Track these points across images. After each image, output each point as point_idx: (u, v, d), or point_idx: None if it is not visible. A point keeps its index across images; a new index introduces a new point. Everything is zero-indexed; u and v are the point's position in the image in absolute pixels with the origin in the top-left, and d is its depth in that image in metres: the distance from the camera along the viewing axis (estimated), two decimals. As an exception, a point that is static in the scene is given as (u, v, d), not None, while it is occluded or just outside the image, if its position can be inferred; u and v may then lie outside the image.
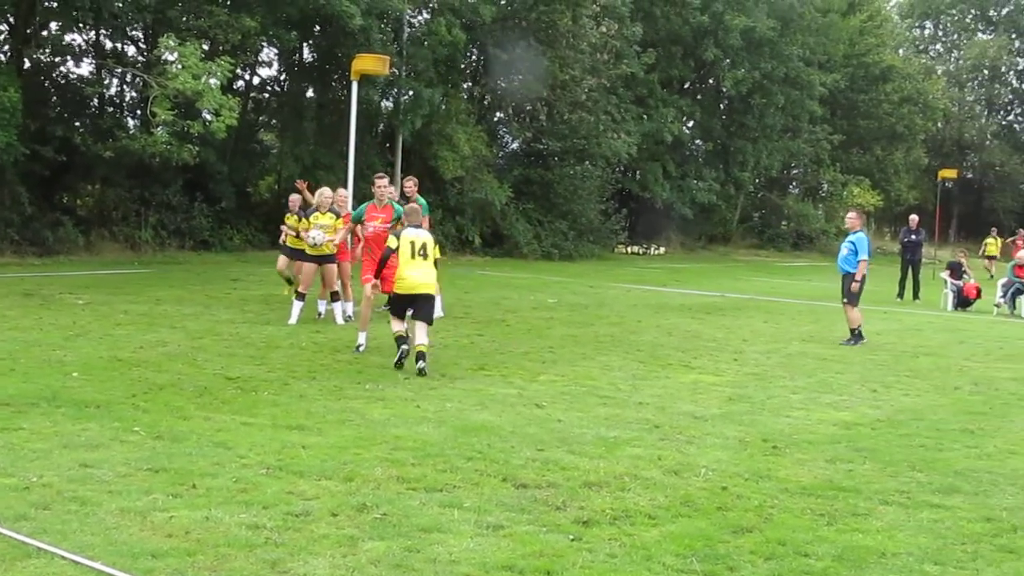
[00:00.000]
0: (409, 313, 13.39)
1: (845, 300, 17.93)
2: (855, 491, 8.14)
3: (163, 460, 8.11)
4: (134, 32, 32.93)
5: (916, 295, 28.37)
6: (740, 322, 20.44)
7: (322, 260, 16.91)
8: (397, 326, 13.37)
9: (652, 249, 49.82)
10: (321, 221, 16.82)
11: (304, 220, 17.21)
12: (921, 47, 79.18)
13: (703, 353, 15.75)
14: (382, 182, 16.36)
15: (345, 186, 18.78)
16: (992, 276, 28.10)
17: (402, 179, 19.16)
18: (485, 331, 16.86)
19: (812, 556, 6.61)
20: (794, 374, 14.08)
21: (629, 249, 48.39)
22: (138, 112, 31.90)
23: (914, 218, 29.97)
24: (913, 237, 29.07)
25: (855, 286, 17.73)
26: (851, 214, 18.95)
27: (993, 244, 35.52)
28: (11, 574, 5.72)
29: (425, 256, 13.34)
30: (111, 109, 33.39)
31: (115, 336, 14.69)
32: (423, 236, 13.42)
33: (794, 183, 63.92)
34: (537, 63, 39.25)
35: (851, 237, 18.05)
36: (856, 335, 17.74)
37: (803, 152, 57.38)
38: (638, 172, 49.74)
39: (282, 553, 6.22)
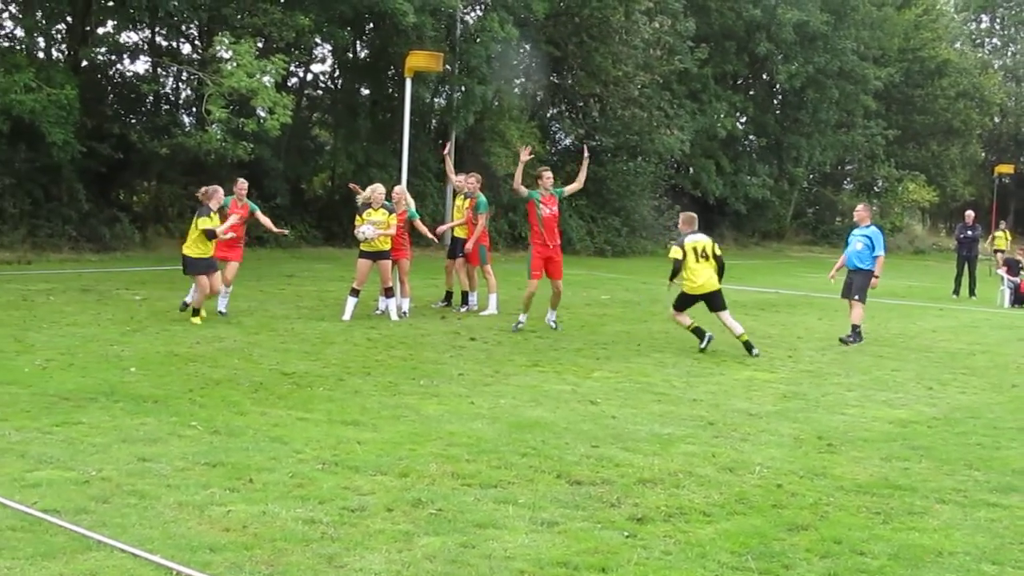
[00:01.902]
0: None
1: (855, 297, 17.16)
2: (911, 489, 8.09)
3: (220, 455, 8.19)
4: (189, 30, 33.19)
5: (972, 292, 28.14)
6: (794, 319, 20.35)
7: (376, 256, 16.96)
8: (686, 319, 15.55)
9: (705, 245, 49.51)
10: (374, 217, 16.86)
11: (359, 217, 17.24)
12: (977, 41, 78.19)
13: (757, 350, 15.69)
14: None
15: (399, 183, 18.78)
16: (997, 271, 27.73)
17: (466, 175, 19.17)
18: (538, 327, 16.87)
19: (868, 554, 6.59)
20: (849, 371, 14.00)
21: (682, 245, 48.10)
22: (193, 109, 32.16)
23: (970, 214, 29.72)
24: (969, 233, 28.84)
25: (875, 282, 17.28)
26: (860, 207, 18.39)
27: (1002, 237, 34.92)
28: (72, 566, 5.80)
29: (707, 258, 15.19)
30: (166, 107, 33.68)
31: (171, 331, 14.83)
32: (703, 240, 15.32)
33: (848, 178, 63.30)
34: (590, 59, 39.21)
35: (864, 231, 17.44)
36: (857, 333, 17.02)
37: (857, 147, 56.88)
38: (691, 168, 49.49)
39: (338, 548, 6.27)
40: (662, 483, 7.98)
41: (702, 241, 15.21)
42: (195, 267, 15.75)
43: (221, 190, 16.43)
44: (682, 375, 13.11)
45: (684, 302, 15.38)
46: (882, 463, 8.92)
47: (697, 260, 15.06)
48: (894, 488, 8.11)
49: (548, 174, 16.91)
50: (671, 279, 15.39)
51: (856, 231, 17.67)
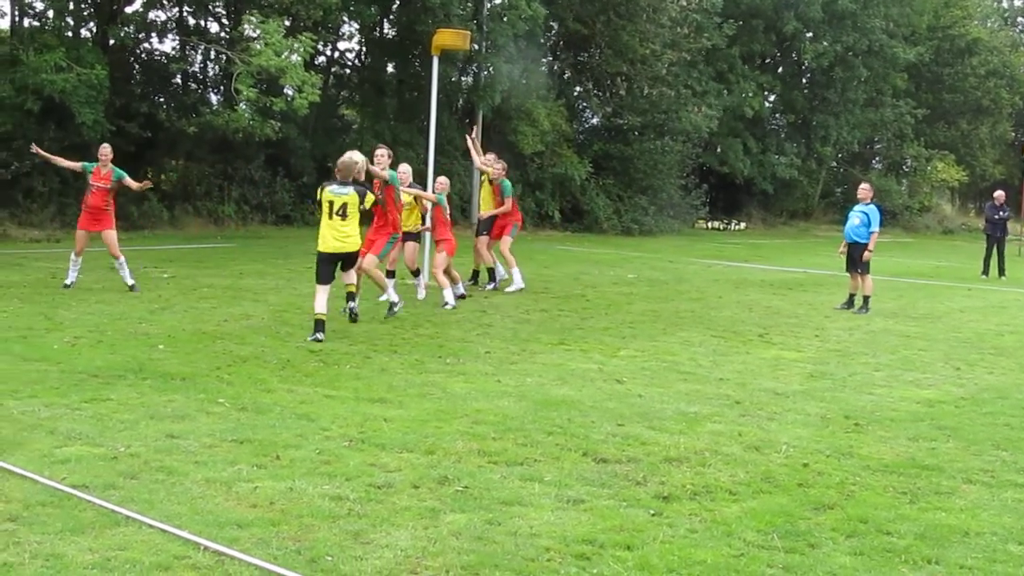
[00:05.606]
0: None
1: (859, 270, 18.42)
2: (938, 469, 8.07)
3: (247, 431, 8.23)
4: (217, 9, 33.22)
5: (1001, 272, 27.97)
6: (822, 298, 20.27)
7: (407, 237, 16.78)
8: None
9: (732, 225, 49.52)
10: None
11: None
12: (1008, 19, 77.57)
13: (784, 329, 15.65)
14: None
15: (425, 163, 18.76)
16: None
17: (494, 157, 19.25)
18: (565, 306, 16.86)
19: (894, 534, 6.57)
20: (876, 351, 13.95)
21: (709, 224, 48.15)
22: (221, 88, 32.22)
23: (1000, 194, 29.49)
24: (1000, 214, 28.64)
25: (867, 255, 18.31)
26: (864, 186, 19.45)
27: None
28: (101, 541, 5.84)
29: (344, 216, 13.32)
30: (194, 85, 33.75)
31: (199, 309, 14.89)
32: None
33: (877, 158, 62.94)
34: (617, 37, 39.09)
35: (862, 208, 18.55)
36: (867, 303, 18.33)
37: (886, 126, 56.54)
38: (718, 147, 49.30)
39: (364, 524, 6.30)
40: (688, 461, 7.98)
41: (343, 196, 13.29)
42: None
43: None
44: (708, 354, 13.09)
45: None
46: (909, 443, 8.89)
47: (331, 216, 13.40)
48: (921, 468, 8.09)
49: (382, 151, 15.37)
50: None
51: (856, 207, 18.77)
